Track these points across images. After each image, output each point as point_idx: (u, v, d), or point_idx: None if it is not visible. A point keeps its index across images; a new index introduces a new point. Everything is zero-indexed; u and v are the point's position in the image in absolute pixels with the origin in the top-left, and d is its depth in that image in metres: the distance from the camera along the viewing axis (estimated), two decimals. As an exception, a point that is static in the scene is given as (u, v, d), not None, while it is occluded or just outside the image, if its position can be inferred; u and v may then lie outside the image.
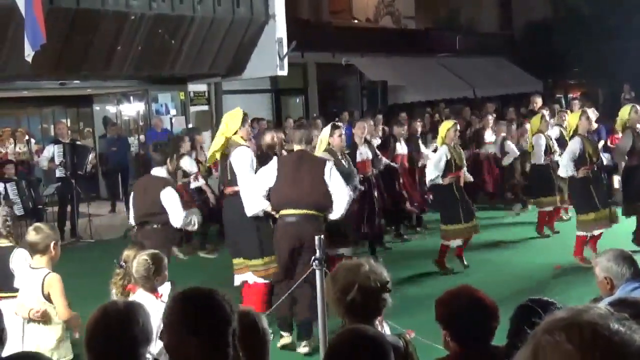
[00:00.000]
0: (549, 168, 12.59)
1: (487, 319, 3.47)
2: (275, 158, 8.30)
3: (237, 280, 8.34)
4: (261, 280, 8.09)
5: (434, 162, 10.69)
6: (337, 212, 7.64)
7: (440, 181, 10.51)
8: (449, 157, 10.45)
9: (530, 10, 29.49)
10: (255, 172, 7.98)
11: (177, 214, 7.75)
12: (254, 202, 7.83)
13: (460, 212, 10.44)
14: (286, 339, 7.84)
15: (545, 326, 1.54)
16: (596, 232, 10.54)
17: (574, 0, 26.67)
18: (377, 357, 2.86)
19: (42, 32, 11.31)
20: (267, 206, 7.81)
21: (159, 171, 8.06)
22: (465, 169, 10.95)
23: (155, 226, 7.86)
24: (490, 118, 15.84)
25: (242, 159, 8.00)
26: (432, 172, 10.63)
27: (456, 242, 10.67)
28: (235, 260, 8.35)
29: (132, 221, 8.31)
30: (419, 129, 14.43)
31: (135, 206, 8.06)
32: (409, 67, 23.88)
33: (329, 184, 7.54)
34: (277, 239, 7.76)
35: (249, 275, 8.19)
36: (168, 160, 8.04)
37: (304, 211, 7.54)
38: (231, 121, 8.17)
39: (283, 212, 7.66)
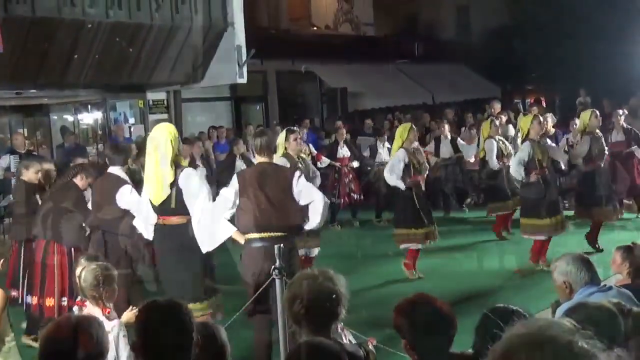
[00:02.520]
0: (502, 172, 12.63)
1: (445, 327, 3.47)
2: (235, 175, 7.10)
3: None
4: None
5: (389, 166, 10.38)
6: (314, 221, 6.78)
7: (400, 185, 10.25)
8: (407, 161, 10.23)
9: (487, 16, 29.74)
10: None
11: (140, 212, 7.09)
12: (219, 231, 6.77)
13: (414, 217, 10.26)
14: None
15: (507, 345, 1.49)
16: (544, 237, 10.56)
17: (531, 6, 26.92)
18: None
19: (-3, 40, 11.18)
20: (232, 231, 6.79)
21: (116, 170, 7.54)
22: (426, 174, 10.65)
23: (109, 235, 7.39)
24: (447, 126, 15.91)
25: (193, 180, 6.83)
26: (388, 176, 10.36)
27: (416, 246, 10.47)
28: None
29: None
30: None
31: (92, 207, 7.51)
32: (369, 73, 23.94)
33: (299, 196, 6.70)
34: (245, 267, 6.78)
35: None
36: (130, 161, 7.64)
37: (276, 234, 6.61)
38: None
39: (250, 236, 6.71)
